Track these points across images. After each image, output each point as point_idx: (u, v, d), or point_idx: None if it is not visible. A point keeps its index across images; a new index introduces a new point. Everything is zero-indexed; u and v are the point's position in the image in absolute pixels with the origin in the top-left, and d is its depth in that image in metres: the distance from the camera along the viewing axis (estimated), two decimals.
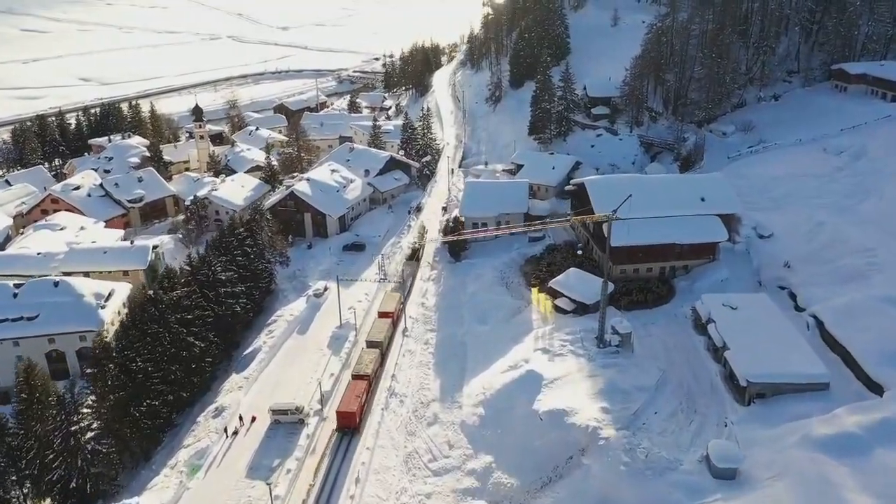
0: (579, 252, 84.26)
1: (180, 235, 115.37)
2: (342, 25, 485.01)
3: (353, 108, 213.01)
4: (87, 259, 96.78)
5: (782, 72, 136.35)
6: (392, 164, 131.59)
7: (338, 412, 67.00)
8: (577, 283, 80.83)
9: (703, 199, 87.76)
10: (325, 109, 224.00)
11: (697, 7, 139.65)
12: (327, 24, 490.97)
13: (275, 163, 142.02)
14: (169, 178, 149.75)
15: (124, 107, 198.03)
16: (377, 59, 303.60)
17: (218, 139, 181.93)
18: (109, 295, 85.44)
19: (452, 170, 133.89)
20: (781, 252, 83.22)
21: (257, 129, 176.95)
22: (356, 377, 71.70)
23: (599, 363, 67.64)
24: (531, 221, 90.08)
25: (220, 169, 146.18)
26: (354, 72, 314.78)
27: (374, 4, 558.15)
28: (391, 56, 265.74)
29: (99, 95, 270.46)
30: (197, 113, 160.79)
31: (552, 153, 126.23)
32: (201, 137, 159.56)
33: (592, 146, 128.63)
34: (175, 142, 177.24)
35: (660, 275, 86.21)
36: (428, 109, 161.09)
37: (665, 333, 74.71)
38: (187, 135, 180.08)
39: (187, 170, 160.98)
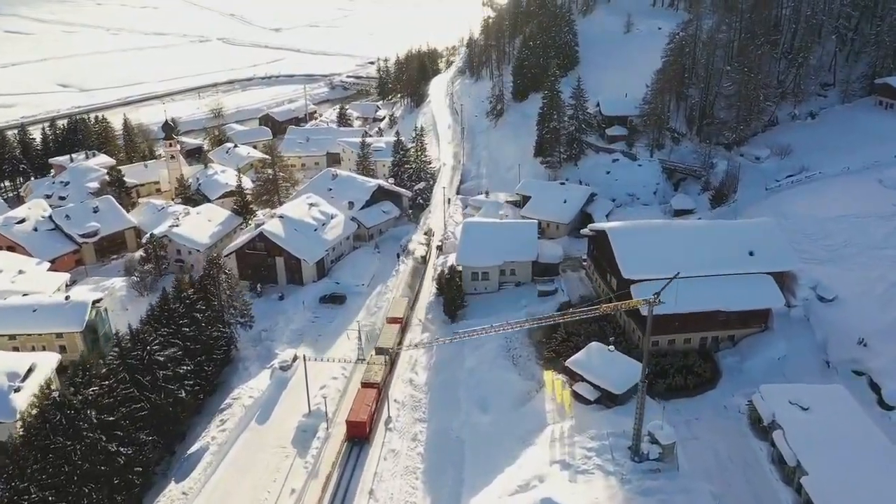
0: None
1: (135, 278, 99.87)
2: (337, 27, 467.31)
3: (343, 120, 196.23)
4: (13, 319, 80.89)
5: (816, 85, 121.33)
6: (380, 194, 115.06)
7: (348, 421, 65.49)
8: (601, 363, 65.09)
9: (751, 254, 72.43)
10: (314, 121, 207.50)
11: (723, 14, 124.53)
12: (322, 24, 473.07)
13: (248, 188, 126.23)
14: (134, 204, 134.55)
15: (94, 118, 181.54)
16: (372, 62, 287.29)
17: (198, 154, 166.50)
18: (28, 372, 69.80)
19: (449, 199, 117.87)
20: (851, 322, 67.80)
21: (235, 146, 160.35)
22: (365, 385, 70.12)
23: (636, 487, 52.12)
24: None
25: (191, 194, 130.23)
26: (348, 77, 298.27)
27: (371, 4, 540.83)
28: (386, 60, 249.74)
29: (76, 104, 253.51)
30: (167, 130, 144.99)
31: (563, 182, 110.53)
32: (172, 157, 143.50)
33: (608, 172, 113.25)
34: (151, 157, 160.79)
35: (699, 347, 70.88)
36: (422, 128, 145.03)
37: (714, 434, 59.40)
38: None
39: (158, 191, 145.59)
